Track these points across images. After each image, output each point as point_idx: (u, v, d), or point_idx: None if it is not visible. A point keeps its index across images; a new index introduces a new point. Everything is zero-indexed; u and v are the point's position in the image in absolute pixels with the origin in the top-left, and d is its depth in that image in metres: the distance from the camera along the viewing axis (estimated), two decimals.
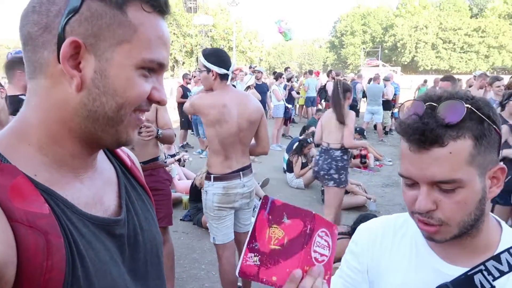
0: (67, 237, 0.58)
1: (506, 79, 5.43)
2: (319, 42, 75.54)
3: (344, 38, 58.71)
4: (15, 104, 2.46)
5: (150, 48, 0.63)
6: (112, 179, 0.76)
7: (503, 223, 0.87)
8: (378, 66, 32.03)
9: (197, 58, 33.30)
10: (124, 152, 0.86)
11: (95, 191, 0.69)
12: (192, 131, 9.40)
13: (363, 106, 11.88)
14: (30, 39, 0.61)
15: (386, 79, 11.07)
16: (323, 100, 12.30)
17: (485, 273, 0.79)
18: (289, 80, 11.21)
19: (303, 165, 6.22)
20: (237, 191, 2.65)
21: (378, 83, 10.41)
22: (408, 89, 17.06)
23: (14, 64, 2.80)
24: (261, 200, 0.71)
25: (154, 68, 0.65)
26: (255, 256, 0.64)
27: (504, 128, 3.18)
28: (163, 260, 0.85)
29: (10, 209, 0.53)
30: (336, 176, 3.71)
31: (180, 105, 8.70)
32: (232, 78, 2.87)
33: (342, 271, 1.04)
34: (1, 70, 3.26)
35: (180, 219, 4.73)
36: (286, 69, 13.28)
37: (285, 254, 0.66)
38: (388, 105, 10.68)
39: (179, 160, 6.34)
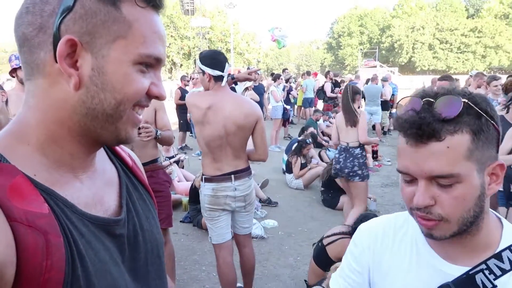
0: (67, 237, 0.58)
1: (503, 79, 5.45)
2: (316, 43, 75.65)
3: (341, 39, 58.82)
4: None
5: (146, 43, 0.62)
6: (113, 179, 0.76)
7: (503, 220, 0.86)
8: (375, 67, 32.09)
9: (194, 60, 33.32)
10: (125, 151, 0.86)
11: (95, 191, 0.69)
12: (191, 133, 9.40)
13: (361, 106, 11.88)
14: (25, 40, 0.61)
15: (384, 80, 11.10)
16: (322, 101, 12.31)
17: (487, 272, 0.78)
18: (287, 81, 11.23)
19: (302, 166, 6.22)
20: (227, 193, 2.63)
21: (376, 84, 10.43)
22: (408, 90, 17.04)
23: None
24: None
25: (152, 63, 0.65)
26: None
27: (510, 133, 2.99)
28: (164, 260, 0.84)
29: (9, 208, 0.53)
30: (360, 172, 4.03)
31: (179, 107, 8.70)
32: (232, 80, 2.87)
33: (343, 271, 1.04)
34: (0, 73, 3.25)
35: (180, 221, 4.72)
36: (284, 70, 13.30)
37: None
38: (386, 105, 10.70)
39: (177, 162, 6.34)
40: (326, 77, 12.25)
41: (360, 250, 0.99)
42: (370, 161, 7.51)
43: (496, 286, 0.77)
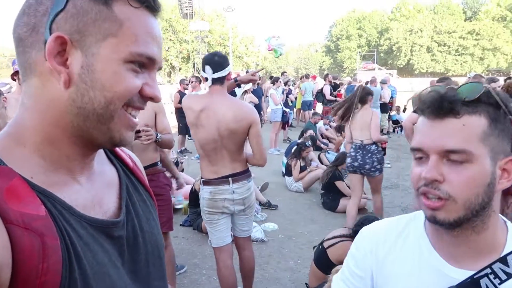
0: (64, 239, 0.57)
1: (501, 81, 5.48)
2: (315, 46, 75.84)
3: (339, 42, 59.00)
4: None
5: (138, 41, 0.62)
6: (113, 181, 0.76)
7: (509, 223, 0.85)
8: (374, 69, 32.17)
9: (193, 63, 33.36)
10: (125, 153, 0.86)
11: (94, 193, 0.69)
12: (189, 136, 9.39)
13: None
14: (20, 41, 0.61)
15: (383, 82, 11.13)
16: (321, 104, 12.32)
17: (492, 276, 0.77)
18: (285, 84, 11.25)
19: (302, 169, 6.22)
20: (225, 197, 2.61)
21: (375, 86, 10.45)
22: (407, 92, 16.97)
23: None
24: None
25: (144, 63, 0.64)
26: None
27: None
28: (165, 262, 0.84)
29: (5, 210, 0.53)
30: (379, 166, 4.31)
31: (178, 110, 8.71)
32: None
33: (344, 275, 1.03)
34: None
35: (180, 225, 4.71)
36: (283, 73, 13.31)
37: None
38: (385, 107, 10.72)
39: (176, 164, 6.33)
40: (325, 80, 12.27)
41: (362, 255, 0.98)
42: None
43: None
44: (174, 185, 3.43)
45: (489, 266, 0.78)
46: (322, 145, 8.56)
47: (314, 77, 13.97)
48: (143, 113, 0.70)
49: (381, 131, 10.62)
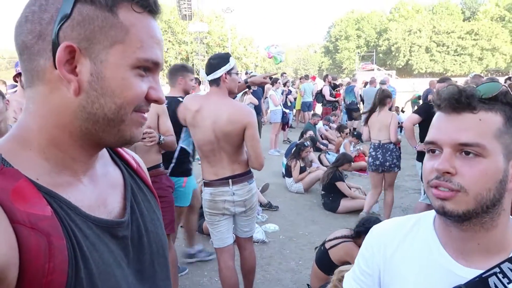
0: (70, 239, 0.58)
1: (500, 81, 5.49)
2: (314, 47, 75.92)
3: (338, 43, 59.05)
4: (173, 104, 3.08)
5: (143, 47, 0.63)
6: (118, 181, 0.77)
7: None
8: (373, 70, 32.20)
9: (192, 65, 33.37)
10: (129, 154, 0.87)
11: (98, 193, 0.70)
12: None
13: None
14: (25, 48, 0.61)
15: (382, 83, 11.13)
16: (320, 105, 12.33)
17: (500, 275, 0.77)
18: (284, 84, 11.26)
19: (302, 170, 6.22)
20: (225, 198, 2.61)
21: (375, 87, 10.46)
22: (409, 93, 16.86)
23: (176, 71, 3.44)
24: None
25: (150, 67, 0.66)
26: None
27: None
28: (169, 261, 0.85)
29: (12, 211, 0.54)
30: (398, 163, 4.62)
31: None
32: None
33: (355, 273, 1.04)
34: None
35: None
36: (282, 74, 13.33)
37: None
38: None
39: None
40: (324, 80, 12.29)
41: (371, 253, 0.99)
42: None
43: None
44: None
45: (498, 265, 0.78)
46: (321, 146, 8.56)
47: (314, 78, 13.99)
48: (146, 115, 0.71)
49: None
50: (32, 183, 0.58)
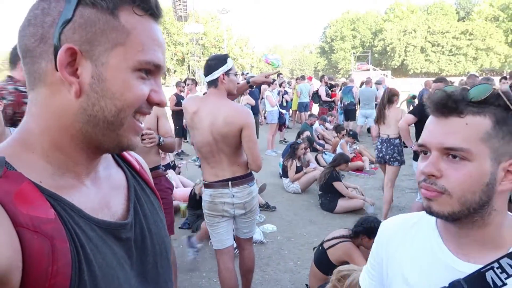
0: (74, 242, 0.59)
1: (495, 81, 5.54)
2: (309, 47, 76.02)
3: (334, 43, 59.17)
4: None
5: (145, 50, 0.64)
6: (121, 183, 0.77)
7: None
8: (368, 70, 32.27)
9: (188, 66, 33.32)
10: (132, 156, 0.87)
11: (101, 195, 0.70)
12: (185, 139, 9.40)
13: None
14: (27, 51, 0.62)
15: (378, 83, 11.17)
16: (317, 105, 12.35)
17: (499, 270, 0.78)
18: (280, 85, 11.28)
19: (298, 169, 6.23)
20: (224, 200, 2.60)
21: (370, 87, 10.49)
22: (407, 92, 16.84)
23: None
24: None
25: (151, 70, 0.66)
26: None
27: None
28: (171, 263, 0.85)
29: (15, 214, 0.54)
30: (399, 157, 4.82)
31: (175, 113, 8.71)
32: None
33: (367, 266, 1.10)
34: None
35: (179, 227, 4.70)
36: (278, 75, 13.34)
37: None
38: None
39: (174, 168, 6.33)
40: (321, 81, 12.30)
41: (376, 246, 1.04)
42: (366, 164, 7.56)
43: (506, 284, 0.77)
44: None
45: (497, 260, 0.79)
46: (318, 147, 8.58)
47: (310, 78, 13.99)
48: (146, 117, 0.71)
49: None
50: (35, 186, 0.58)
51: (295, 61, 72.23)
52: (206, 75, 2.53)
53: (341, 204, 5.29)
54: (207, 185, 2.64)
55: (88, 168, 0.69)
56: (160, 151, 2.86)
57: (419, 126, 4.25)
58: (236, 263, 2.86)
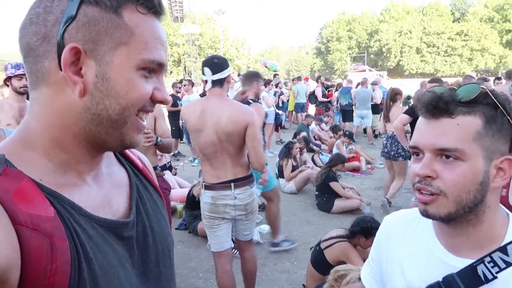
0: (74, 240, 0.58)
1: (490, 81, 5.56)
2: (305, 48, 76.14)
3: (330, 44, 59.26)
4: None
5: (148, 48, 0.64)
6: (123, 182, 0.77)
7: (511, 215, 0.88)
8: (364, 71, 32.34)
9: (184, 67, 33.28)
10: (135, 154, 0.86)
11: (103, 194, 0.70)
12: (181, 140, 9.38)
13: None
14: (30, 50, 0.61)
15: (374, 84, 11.19)
16: (314, 105, 12.37)
17: (490, 264, 0.80)
18: (276, 85, 11.29)
19: (294, 168, 6.24)
20: (226, 202, 2.58)
21: (366, 88, 10.51)
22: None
23: (252, 76, 3.97)
24: None
25: (154, 69, 0.66)
26: None
27: None
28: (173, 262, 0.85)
29: (14, 212, 0.54)
30: (403, 153, 5.03)
31: (171, 114, 8.69)
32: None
33: (368, 260, 1.12)
34: None
35: (176, 228, 4.70)
36: (275, 75, 13.35)
37: None
38: (377, 109, 10.77)
39: (170, 169, 6.31)
40: (317, 82, 12.33)
41: (377, 241, 1.06)
42: (363, 164, 7.57)
43: (497, 277, 0.79)
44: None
45: (489, 255, 0.81)
46: (314, 147, 8.59)
47: (307, 79, 14.03)
48: (148, 115, 0.72)
49: (373, 132, 10.73)
50: (35, 183, 0.58)
51: (291, 62, 72.31)
52: (215, 72, 2.48)
53: (338, 204, 5.29)
54: (208, 187, 2.61)
55: (90, 166, 0.69)
56: (157, 151, 2.85)
57: (414, 126, 4.29)
58: (234, 264, 2.86)
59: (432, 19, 52.55)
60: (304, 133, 8.46)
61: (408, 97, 12.76)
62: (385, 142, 5.36)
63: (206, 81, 2.55)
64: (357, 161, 7.61)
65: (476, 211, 0.81)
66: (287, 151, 6.34)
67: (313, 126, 9.76)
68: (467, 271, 0.81)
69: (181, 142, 9.53)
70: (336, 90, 12.12)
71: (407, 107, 5.39)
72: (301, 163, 6.69)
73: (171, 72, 37.70)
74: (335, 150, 7.54)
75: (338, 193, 5.33)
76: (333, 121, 11.22)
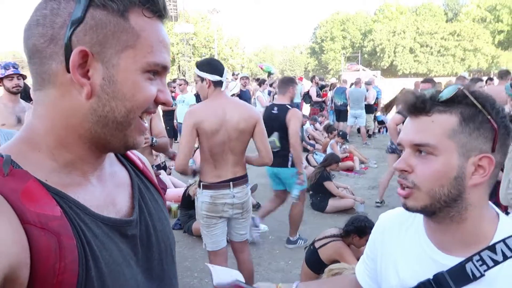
0: (80, 239, 0.59)
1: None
2: (299, 48, 76.17)
3: (324, 44, 59.35)
4: (284, 109, 3.84)
5: (153, 52, 0.65)
6: (125, 181, 0.78)
7: (501, 214, 0.90)
8: (358, 70, 32.45)
9: (179, 66, 33.21)
10: (135, 155, 0.88)
11: (106, 193, 0.71)
12: (176, 139, 9.37)
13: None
14: (36, 51, 0.62)
15: (368, 83, 11.25)
16: (308, 105, 12.39)
17: (478, 263, 0.82)
18: (271, 85, 11.30)
19: None
20: (225, 201, 2.62)
21: (360, 87, 10.56)
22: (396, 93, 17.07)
23: (288, 81, 4.13)
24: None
25: (158, 71, 0.67)
26: None
27: None
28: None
29: (22, 211, 0.55)
30: None
31: (165, 113, 8.67)
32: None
33: (363, 257, 1.14)
34: None
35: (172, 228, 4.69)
36: (269, 75, 13.36)
37: None
38: (370, 108, 10.83)
39: (164, 168, 6.31)
40: (311, 81, 12.35)
41: (373, 239, 1.09)
42: (356, 164, 7.61)
43: (484, 275, 0.81)
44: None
45: (478, 253, 0.83)
46: (308, 147, 8.61)
47: (301, 79, 14.04)
48: (150, 116, 0.73)
49: (367, 131, 10.79)
50: (41, 184, 0.59)
51: (285, 61, 72.29)
52: (220, 74, 2.54)
53: (332, 203, 5.32)
54: (207, 186, 2.63)
55: (94, 166, 0.70)
56: (153, 151, 2.86)
57: None
58: (229, 263, 2.87)
59: (425, 19, 52.82)
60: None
61: None
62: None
63: (215, 82, 2.56)
64: (351, 160, 7.65)
65: (457, 207, 0.84)
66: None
67: (307, 125, 9.78)
68: (456, 269, 0.84)
69: (176, 142, 9.51)
70: (330, 89, 12.16)
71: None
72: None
73: None
74: (329, 150, 7.57)
75: (332, 193, 5.36)
76: (327, 120, 11.26)
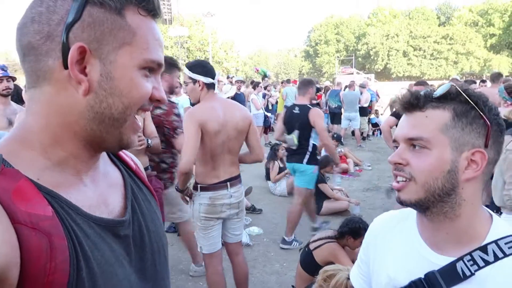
0: (72, 239, 0.59)
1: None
2: (294, 51, 76.41)
3: (318, 47, 59.58)
4: (305, 109, 4.09)
5: (149, 49, 0.66)
6: (118, 181, 0.78)
7: (494, 215, 0.91)
8: (352, 73, 32.61)
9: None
10: (128, 155, 0.88)
11: (99, 193, 0.71)
12: None
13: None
14: (31, 48, 0.62)
15: (362, 86, 11.30)
16: None
17: (469, 262, 0.83)
18: (265, 88, 11.33)
19: (281, 170, 6.27)
20: (224, 201, 2.63)
21: (354, 90, 10.61)
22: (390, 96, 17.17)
23: (308, 83, 4.30)
24: None
25: (154, 68, 0.68)
26: None
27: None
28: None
29: (13, 211, 0.54)
30: None
31: None
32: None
33: (357, 261, 1.15)
34: None
35: (165, 231, 4.67)
36: (263, 77, 13.38)
37: None
38: (364, 111, 10.88)
39: None
40: None
41: (366, 242, 1.10)
42: (351, 166, 7.63)
43: (474, 274, 0.82)
44: None
45: (469, 253, 0.84)
46: None
47: (295, 82, 14.06)
48: (145, 114, 0.74)
49: (361, 134, 10.84)
50: (32, 183, 0.59)
51: (280, 64, 72.49)
52: (213, 77, 2.58)
53: (327, 205, 5.33)
54: (205, 188, 2.62)
55: (88, 164, 0.70)
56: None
57: None
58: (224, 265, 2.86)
59: (419, 23, 53.22)
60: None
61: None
62: None
63: (207, 84, 2.58)
64: (345, 163, 7.67)
65: (450, 202, 0.85)
66: (273, 153, 6.39)
67: None
68: (447, 268, 0.85)
69: None
70: (324, 92, 12.20)
71: (394, 109, 5.48)
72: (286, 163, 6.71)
73: None
74: (323, 153, 7.58)
75: (327, 195, 5.36)
76: None
